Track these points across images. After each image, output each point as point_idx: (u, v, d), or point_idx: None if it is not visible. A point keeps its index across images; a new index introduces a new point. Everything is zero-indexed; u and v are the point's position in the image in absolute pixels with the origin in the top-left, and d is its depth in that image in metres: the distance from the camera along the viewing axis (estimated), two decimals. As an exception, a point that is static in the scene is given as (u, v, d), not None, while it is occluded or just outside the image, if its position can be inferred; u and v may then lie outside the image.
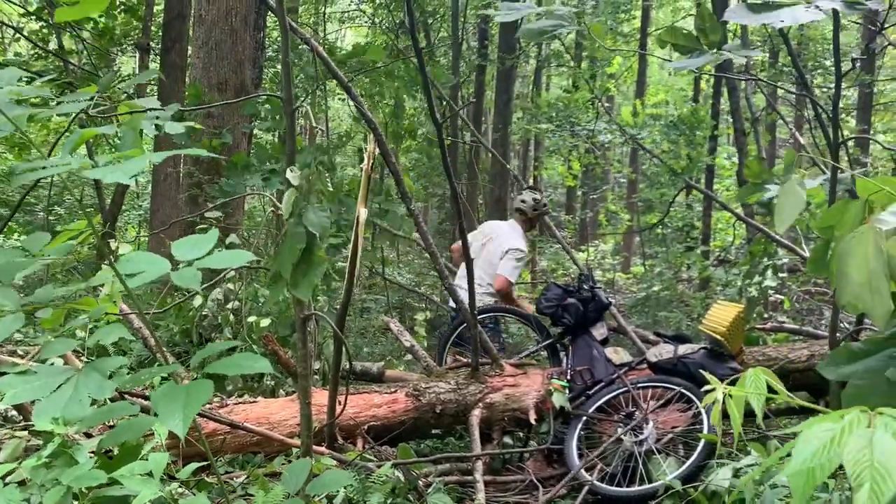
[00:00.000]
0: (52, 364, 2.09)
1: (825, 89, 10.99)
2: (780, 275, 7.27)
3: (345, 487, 3.41)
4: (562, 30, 3.32)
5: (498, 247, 5.44)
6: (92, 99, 2.06)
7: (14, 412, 3.32)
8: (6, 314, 2.06)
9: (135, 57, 11.37)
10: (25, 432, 2.51)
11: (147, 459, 1.93)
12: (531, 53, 14.82)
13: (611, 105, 16.65)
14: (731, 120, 9.80)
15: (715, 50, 2.64)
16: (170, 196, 8.19)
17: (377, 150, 3.28)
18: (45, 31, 10.39)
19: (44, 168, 1.45)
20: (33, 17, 10.15)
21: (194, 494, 2.11)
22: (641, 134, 9.13)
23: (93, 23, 10.38)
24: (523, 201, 5.69)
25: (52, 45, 10.25)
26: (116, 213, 9.31)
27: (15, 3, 10.44)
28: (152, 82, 11.36)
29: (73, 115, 2.26)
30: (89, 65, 9.67)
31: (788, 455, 1.00)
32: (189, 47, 8.63)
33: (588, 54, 13.13)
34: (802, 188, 1.78)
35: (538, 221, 5.89)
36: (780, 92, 11.97)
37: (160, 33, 9.68)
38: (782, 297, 7.39)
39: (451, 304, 5.72)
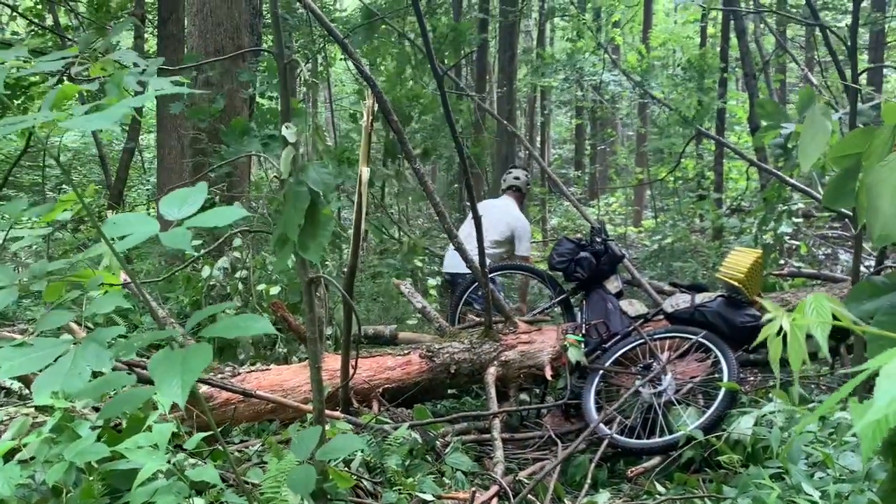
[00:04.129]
0: (51, 336, 2.03)
1: (837, 27, 10.70)
2: (796, 220, 7.14)
3: (362, 450, 3.38)
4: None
5: (500, 216, 5.75)
6: (75, 58, 1.96)
7: (24, 389, 3.29)
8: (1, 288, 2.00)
9: (132, 30, 11.17)
10: (32, 409, 2.47)
11: (151, 431, 1.88)
12: (534, 6, 14.49)
13: (617, 56, 16.30)
14: (740, 65, 9.55)
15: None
16: (176, 169, 8.10)
17: (377, 107, 3.17)
18: (39, 6, 10.24)
19: (21, 122, 1.37)
20: (27, -6, 9.99)
21: (205, 465, 2.07)
22: (648, 80, 8.91)
23: (88, -4, 10.22)
24: (517, 178, 6.05)
25: (50, 23, 10.11)
26: (122, 187, 9.25)
27: (7, -20, 10.27)
28: (151, 54, 11.20)
29: (55, 75, 2.17)
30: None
31: (841, 401, 0.90)
32: (185, 18, 8.47)
33: (591, 4, 12.82)
34: (828, 118, 1.66)
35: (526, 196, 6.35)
36: (789, 34, 11.67)
37: (156, 5, 9.51)
38: (798, 242, 7.26)
39: (445, 269, 5.83)
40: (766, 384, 4.61)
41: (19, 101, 8.57)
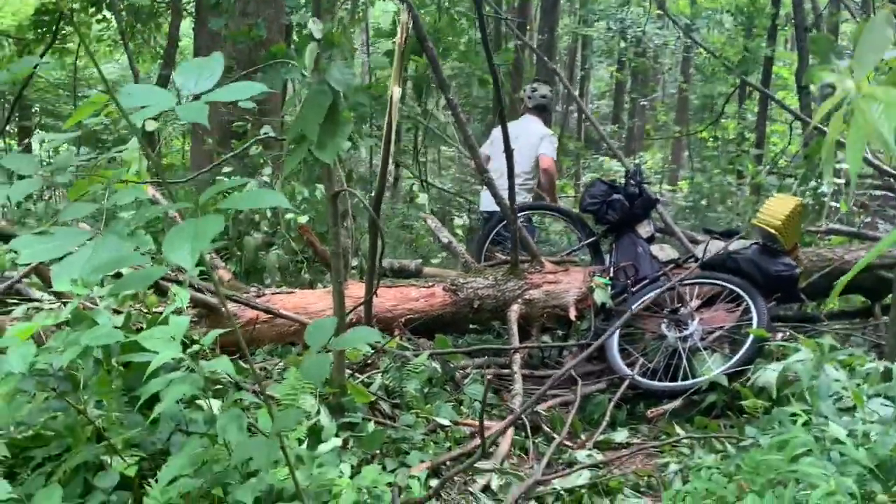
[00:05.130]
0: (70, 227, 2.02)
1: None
2: (836, 180, 6.92)
3: (382, 374, 3.39)
4: None
5: (527, 140, 5.33)
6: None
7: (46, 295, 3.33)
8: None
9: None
10: (57, 304, 2.49)
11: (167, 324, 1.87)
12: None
13: (664, 2, 15.78)
14: (791, 22, 9.18)
15: None
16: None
17: (411, 24, 3.08)
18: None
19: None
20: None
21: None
22: (695, 25, 8.60)
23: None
24: (543, 96, 5.58)
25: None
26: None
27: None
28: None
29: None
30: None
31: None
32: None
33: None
34: (890, 24, 1.55)
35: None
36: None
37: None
38: (837, 204, 7.05)
39: (482, 208, 5.60)
40: (796, 339, 4.53)
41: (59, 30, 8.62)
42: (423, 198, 5.43)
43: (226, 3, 5.70)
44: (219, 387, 2.56)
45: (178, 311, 2.16)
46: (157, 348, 1.78)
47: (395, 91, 3.10)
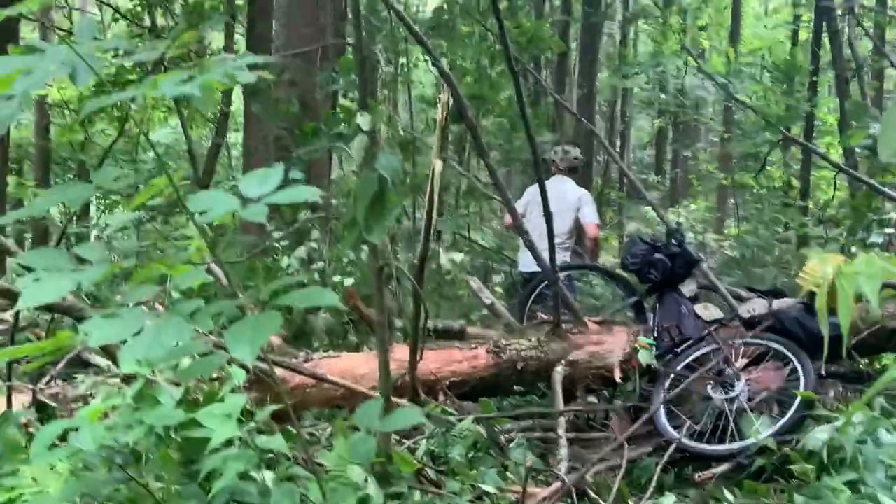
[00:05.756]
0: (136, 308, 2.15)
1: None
2: (887, 230, 6.83)
3: (427, 439, 3.44)
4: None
5: (565, 201, 5.48)
6: (167, 48, 2.09)
7: (111, 367, 3.48)
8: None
9: (223, 31, 11.63)
10: (117, 379, 2.63)
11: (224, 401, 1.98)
12: (617, 9, 14.32)
13: (703, 60, 15.92)
14: (833, 68, 9.19)
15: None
16: (262, 165, 8.36)
17: (451, 102, 3.22)
18: (139, 8, 10.79)
19: (122, 95, 1.47)
20: (128, -3, 10.55)
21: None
22: (733, 83, 8.68)
23: (183, -1, 10.71)
24: (576, 158, 5.80)
25: (147, 23, 10.64)
26: (209, 182, 9.63)
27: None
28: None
29: (149, 63, 2.30)
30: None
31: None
32: (273, 19, 8.76)
33: (677, 7, 12.57)
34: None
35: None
36: (889, 36, 11.15)
37: (246, 6, 9.86)
38: (889, 253, 6.94)
39: (522, 268, 5.72)
40: (847, 397, 4.44)
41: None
42: (456, 258, 5.54)
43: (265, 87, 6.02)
44: (271, 455, 2.65)
45: (234, 389, 2.27)
46: (214, 426, 1.88)
47: (438, 164, 3.23)
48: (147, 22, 10.66)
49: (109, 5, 11.25)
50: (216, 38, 13.52)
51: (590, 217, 5.48)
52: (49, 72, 1.83)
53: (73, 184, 2.12)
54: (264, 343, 1.32)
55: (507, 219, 5.84)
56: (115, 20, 11.74)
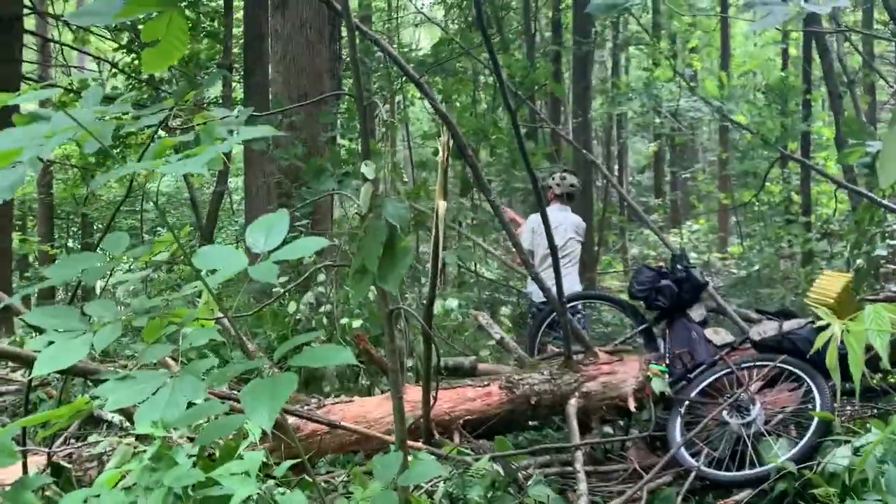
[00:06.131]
0: (150, 369, 2.16)
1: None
2: (891, 242, 6.83)
3: (444, 481, 3.41)
4: (633, 2, 3.21)
5: (565, 230, 5.69)
6: (171, 110, 2.12)
7: (124, 422, 3.48)
8: (105, 325, 2.15)
9: (220, 80, 11.79)
10: (133, 439, 2.63)
11: (243, 459, 1.97)
12: (607, 37, 14.49)
13: (695, 84, 16.07)
14: (825, 85, 9.26)
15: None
16: (263, 209, 8.44)
17: (452, 143, 3.26)
18: (136, 62, 10.96)
19: (127, 169, 1.50)
20: (125, 51, 10.72)
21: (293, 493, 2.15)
22: (728, 106, 8.75)
23: (179, 50, 10.86)
24: (572, 185, 5.94)
25: (145, 76, 10.79)
26: (212, 228, 9.69)
27: (109, 39, 11.06)
28: (239, 101, 11.77)
29: (154, 127, 2.34)
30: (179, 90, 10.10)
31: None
32: (269, 66, 8.89)
33: (667, 32, 12.72)
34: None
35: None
36: (877, 50, 11.25)
37: (242, 55, 10.02)
38: (894, 265, 6.93)
39: (535, 298, 5.72)
40: (863, 414, 4.40)
41: (117, 150, 9.16)
42: (452, 304, 5.58)
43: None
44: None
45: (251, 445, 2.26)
46: (233, 485, 1.87)
47: (441, 205, 3.25)
48: (145, 75, 10.82)
49: (107, 61, 11.43)
50: (214, 87, 13.69)
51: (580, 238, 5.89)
52: (56, 143, 1.86)
53: (83, 256, 2.14)
54: (281, 406, 1.32)
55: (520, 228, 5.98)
56: (114, 75, 11.92)
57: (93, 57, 12.15)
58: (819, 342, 1.19)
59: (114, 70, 11.37)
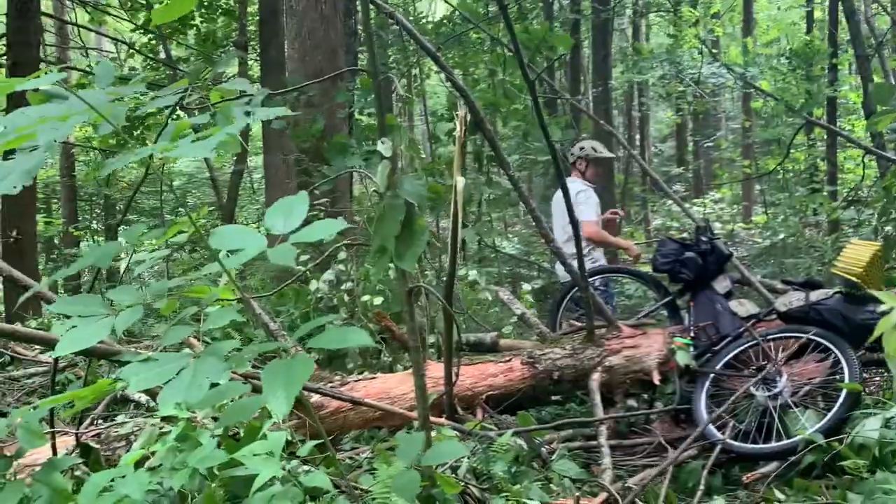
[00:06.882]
0: (173, 351, 2.17)
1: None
2: (922, 209, 6.68)
3: (468, 457, 3.41)
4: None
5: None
6: (185, 91, 2.10)
7: (150, 402, 3.51)
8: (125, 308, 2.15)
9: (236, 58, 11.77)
10: (158, 420, 2.65)
11: (266, 439, 1.98)
12: (627, 4, 14.23)
13: (717, 50, 15.75)
14: (851, 48, 9.02)
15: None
16: (283, 187, 8.44)
17: (469, 117, 3.21)
18: (153, 42, 10.97)
19: (143, 152, 1.48)
20: (142, 31, 10.72)
21: (317, 471, 2.15)
22: (751, 72, 8.55)
23: (195, 29, 10.87)
24: (594, 149, 5.48)
25: (162, 56, 10.81)
26: (233, 207, 9.72)
27: (125, 20, 11.06)
28: (255, 79, 11.75)
29: (169, 107, 2.32)
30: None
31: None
32: (285, 42, 8.84)
33: (688, -3, 12.46)
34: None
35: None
36: (907, 11, 10.91)
37: (258, 33, 9.97)
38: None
39: (560, 276, 5.62)
40: (892, 384, 4.33)
41: (137, 132, 9.19)
42: (472, 275, 5.47)
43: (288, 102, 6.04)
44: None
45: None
46: (257, 466, 1.88)
47: (459, 181, 3.21)
48: (162, 54, 10.83)
49: (125, 42, 11.44)
50: (230, 66, 13.66)
51: (583, 216, 5.15)
52: (71, 126, 1.85)
53: (105, 246, 2.15)
54: (299, 391, 1.31)
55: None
56: (131, 55, 11.94)
57: (110, 38, 12.17)
58: (880, 328, 1.13)
59: (131, 51, 11.39)
